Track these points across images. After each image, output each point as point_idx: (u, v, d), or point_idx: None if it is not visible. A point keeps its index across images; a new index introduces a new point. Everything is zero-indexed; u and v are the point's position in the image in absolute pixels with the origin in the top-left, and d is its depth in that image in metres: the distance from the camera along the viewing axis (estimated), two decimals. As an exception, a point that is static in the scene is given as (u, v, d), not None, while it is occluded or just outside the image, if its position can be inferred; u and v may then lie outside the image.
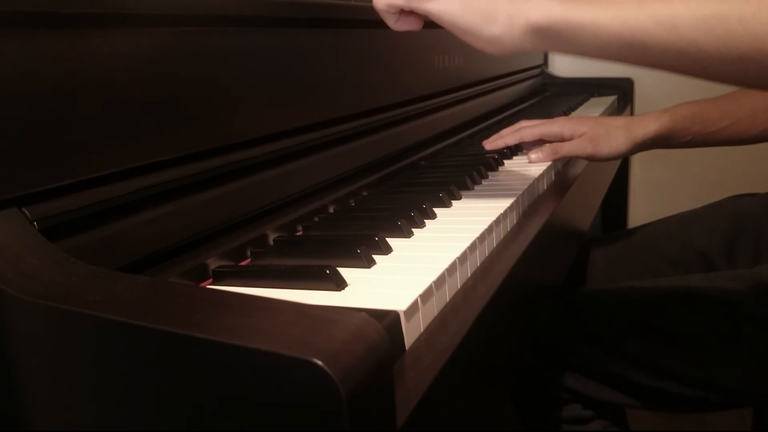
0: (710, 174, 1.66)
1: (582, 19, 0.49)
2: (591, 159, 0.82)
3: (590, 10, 0.49)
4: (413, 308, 0.40)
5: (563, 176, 0.83)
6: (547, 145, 0.82)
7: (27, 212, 0.40)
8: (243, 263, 0.53)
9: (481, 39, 0.53)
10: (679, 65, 0.46)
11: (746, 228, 0.86)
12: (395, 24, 0.59)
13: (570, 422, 0.83)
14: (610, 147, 0.80)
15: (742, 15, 0.42)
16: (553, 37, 0.51)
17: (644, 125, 0.80)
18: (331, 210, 0.67)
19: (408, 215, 0.58)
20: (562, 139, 0.84)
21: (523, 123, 0.90)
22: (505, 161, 0.86)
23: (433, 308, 0.44)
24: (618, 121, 0.82)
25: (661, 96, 1.67)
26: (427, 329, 0.42)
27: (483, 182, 0.76)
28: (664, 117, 0.81)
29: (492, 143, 0.91)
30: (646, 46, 0.47)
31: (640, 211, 1.78)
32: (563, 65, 1.79)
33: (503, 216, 0.60)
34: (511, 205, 0.63)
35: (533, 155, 0.81)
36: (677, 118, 0.81)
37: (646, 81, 1.68)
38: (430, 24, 0.98)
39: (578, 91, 1.63)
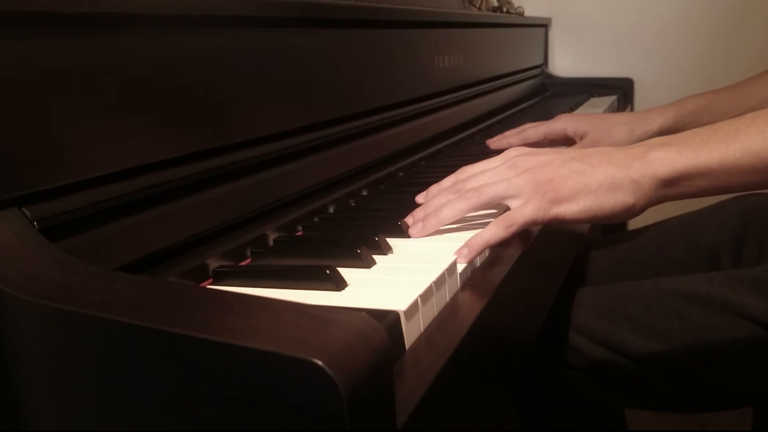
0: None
1: (710, 162, 0.48)
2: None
3: (712, 149, 0.48)
4: (413, 308, 0.40)
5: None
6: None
7: (27, 212, 0.40)
8: (243, 263, 0.53)
9: (619, 213, 0.52)
10: None
11: (751, 228, 0.86)
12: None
13: (570, 422, 0.83)
14: None
15: None
16: (683, 184, 0.50)
17: (648, 121, 0.80)
18: (331, 210, 0.67)
19: (408, 215, 0.58)
20: (566, 137, 0.84)
21: (528, 124, 0.90)
22: (505, 161, 0.86)
23: (433, 308, 0.44)
24: (621, 118, 0.82)
25: (662, 95, 1.67)
26: (427, 329, 0.42)
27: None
28: (669, 111, 0.80)
29: (496, 143, 0.91)
30: None
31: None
32: (563, 65, 1.79)
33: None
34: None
35: None
36: (683, 112, 0.80)
37: (647, 81, 1.68)
38: (430, 24, 0.98)
39: (578, 91, 1.63)
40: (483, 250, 0.51)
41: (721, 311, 0.70)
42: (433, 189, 0.61)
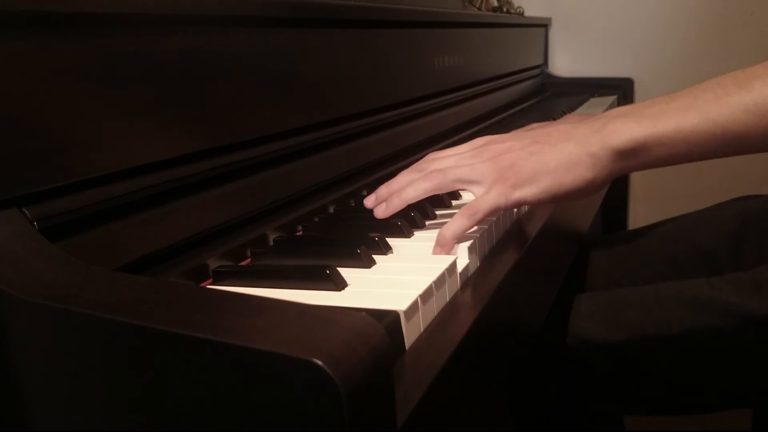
0: (712, 175, 1.66)
1: (667, 130, 0.48)
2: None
3: (672, 119, 0.48)
4: (413, 308, 0.40)
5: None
6: None
7: (27, 212, 0.40)
8: (243, 263, 0.53)
9: (582, 189, 0.52)
10: None
11: (751, 230, 0.86)
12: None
13: (567, 427, 0.83)
14: None
15: None
16: (642, 155, 0.50)
17: None
18: (331, 210, 0.67)
19: (408, 215, 0.58)
20: None
21: (535, 125, 0.90)
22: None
23: (433, 308, 0.44)
24: None
25: (662, 95, 1.67)
26: (427, 329, 0.42)
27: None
28: None
29: None
30: (741, 136, 0.46)
31: (641, 212, 1.78)
32: (563, 65, 1.79)
33: (502, 217, 0.60)
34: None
35: None
36: None
37: (646, 81, 1.68)
38: (429, 24, 0.98)
39: (578, 91, 1.63)
40: (454, 242, 0.52)
41: (723, 315, 0.70)
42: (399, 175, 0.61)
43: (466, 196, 0.69)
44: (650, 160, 0.51)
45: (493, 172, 0.54)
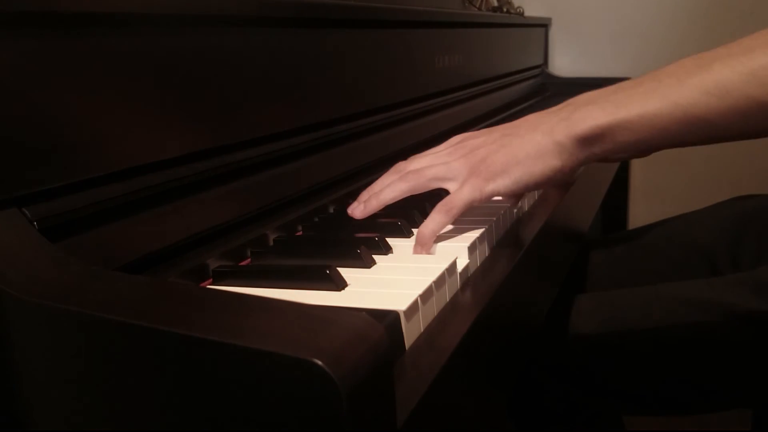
0: (711, 175, 1.66)
1: (628, 114, 0.48)
2: (603, 161, 0.82)
3: (634, 103, 0.48)
4: (413, 308, 0.40)
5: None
6: None
7: (27, 212, 0.40)
8: (243, 263, 0.53)
9: (551, 178, 0.53)
10: (746, 126, 0.45)
11: (750, 229, 0.86)
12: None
13: (567, 427, 0.83)
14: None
15: None
16: (606, 141, 0.50)
17: None
18: (331, 210, 0.67)
19: (408, 215, 0.58)
20: None
21: None
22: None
23: (433, 308, 0.44)
24: None
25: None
26: (427, 329, 0.42)
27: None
28: None
29: None
30: (703, 119, 0.46)
31: (641, 212, 1.78)
32: (563, 65, 1.79)
33: (503, 216, 0.60)
34: (511, 206, 0.63)
35: None
36: None
37: (646, 81, 1.68)
38: (430, 24, 0.98)
39: (578, 91, 1.62)
40: (433, 240, 0.53)
41: (723, 315, 0.70)
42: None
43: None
44: (616, 147, 0.51)
45: (466, 167, 0.55)
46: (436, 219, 0.53)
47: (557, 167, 0.52)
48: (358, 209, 0.58)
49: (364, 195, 0.60)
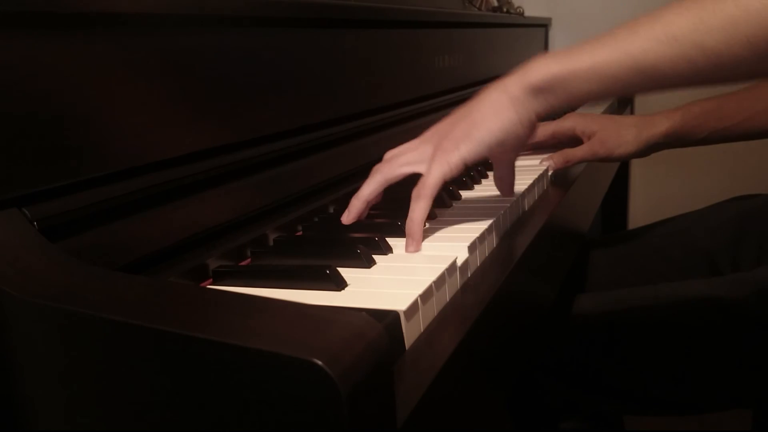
0: (711, 175, 1.66)
1: (581, 63, 0.49)
2: (603, 161, 0.83)
3: (586, 53, 0.49)
4: (413, 308, 0.40)
5: (563, 176, 0.83)
6: (559, 152, 0.82)
7: (27, 212, 0.40)
8: (243, 263, 0.53)
9: (511, 133, 0.54)
10: (694, 74, 0.46)
11: (750, 229, 0.86)
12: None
13: (567, 427, 0.83)
14: (621, 149, 0.80)
15: (739, 1, 0.42)
16: (559, 90, 0.51)
17: (654, 125, 0.80)
18: (331, 210, 0.67)
19: (407, 215, 0.58)
20: (574, 135, 0.84)
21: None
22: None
23: (433, 308, 0.44)
24: (629, 120, 0.82)
25: (662, 96, 1.67)
26: (427, 329, 0.42)
27: (483, 182, 0.76)
28: (675, 115, 0.80)
29: None
30: (653, 66, 0.46)
31: (641, 212, 1.78)
32: (563, 65, 1.79)
33: (503, 216, 0.60)
34: (512, 204, 0.63)
35: (545, 163, 0.81)
36: (690, 116, 0.80)
37: (646, 81, 1.68)
38: (430, 24, 0.98)
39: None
40: (421, 228, 0.54)
41: (723, 315, 0.70)
42: None
43: (466, 196, 0.69)
44: (570, 97, 0.52)
45: (431, 148, 0.56)
46: (415, 206, 0.54)
47: (514, 119, 0.53)
48: (345, 215, 0.59)
49: (351, 201, 0.61)
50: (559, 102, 0.52)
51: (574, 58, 0.50)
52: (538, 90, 0.52)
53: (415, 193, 0.55)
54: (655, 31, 0.45)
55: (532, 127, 0.54)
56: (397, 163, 0.58)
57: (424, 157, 0.56)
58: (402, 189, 0.74)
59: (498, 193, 0.67)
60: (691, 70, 0.45)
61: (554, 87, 0.51)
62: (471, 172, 0.75)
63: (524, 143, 0.57)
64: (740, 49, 0.43)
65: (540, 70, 0.52)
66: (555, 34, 1.77)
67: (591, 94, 0.51)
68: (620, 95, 0.52)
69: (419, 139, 0.60)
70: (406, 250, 0.53)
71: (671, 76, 0.46)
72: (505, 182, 0.65)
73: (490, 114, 0.53)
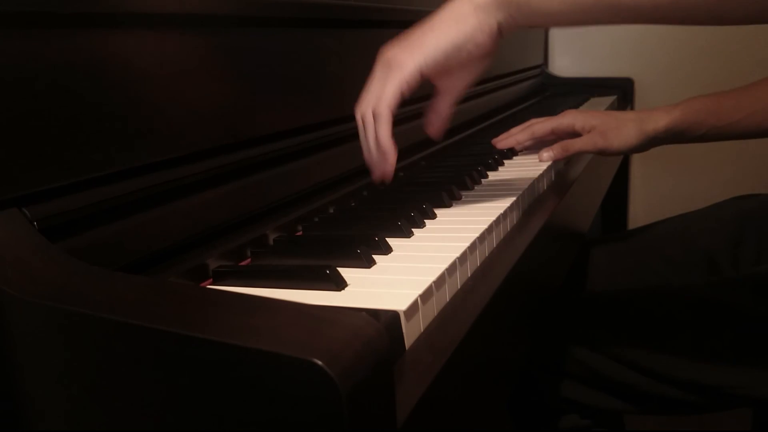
0: (711, 175, 1.66)
1: None
2: (602, 153, 0.82)
3: None
4: (413, 308, 0.40)
5: (563, 176, 0.83)
6: (558, 143, 0.82)
7: (27, 212, 0.40)
8: (243, 263, 0.53)
9: (468, 40, 0.53)
10: (653, 10, 0.46)
11: (750, 229, 0.86)
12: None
13: (567, 427, 0.83)
14: (620, 141, 0.80)
15: None
16: (523, 4, 0.51)
17: (655, 119, 0.80)
18: (331, 210, 0.67)
19: (408, 215, 0.58)
20: (573, 131, 0.84)
21: (534, 120, 0.90)
22: (505, 161, 0.86)
23: (433, 308, 0.44)
24: (629, 115, 0.82)
25: (662, 95, 1.67)
26: (427, 329, 0.42)
27: (483, 182, 0.76)
28: (675, 111, 0.80)
29: (503, 142, 0.91)
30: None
31: (641, 212, 1.78)
32: (563, 65, 1.79)
33: (503, 216, 0.60)
34: (511, 205, 0.63)
35: (545, 154, 0.81)
36: (689, 112, 0.80)
37: (647, 81, 1.68)
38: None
39: (578, 91, 1.63)
40: (392, 143, 0.53)
41: (723, 315, 0.70)
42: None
43: (466, 196, 0.69)
44: (531, 12, 0.52)
45: (386, 62, 0.54)
46: (378, 128, 0.53)
47: (475, 25, 0.52)
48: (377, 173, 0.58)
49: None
50: (522, 16, 0.52)
51: None
52: (499, 4, 0.51)
53: (375, 112, 0.53)
54: None
55: (492, 38, 0.53)
56: (365, 104, 0.56)
57: (379, 76, 0.55)
58: (402, 189, 0.74)
59: (500, 192, 0.67)
60: (651, 8, 0.46)
61: (519, 6, 0.51)
62: (471, 173, 0.75)
63: (482, 59, 0.55)
64: None
65: None
66: (555, 34, 1.77)
67: (552, 15, 0.51)
68: (577, 23, 0.51)
69: (378, 66, 0.57)
70: (383, 168, 0.52)
71: (632, 9, 0.47)
72: (439, 118, 0.62)
73: (451, 20, 0.53)
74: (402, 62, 0.53)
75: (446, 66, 0.55)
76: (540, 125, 0.88)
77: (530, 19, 0.52)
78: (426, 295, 0.42)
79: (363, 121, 0.57)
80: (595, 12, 0.49)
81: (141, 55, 0.48)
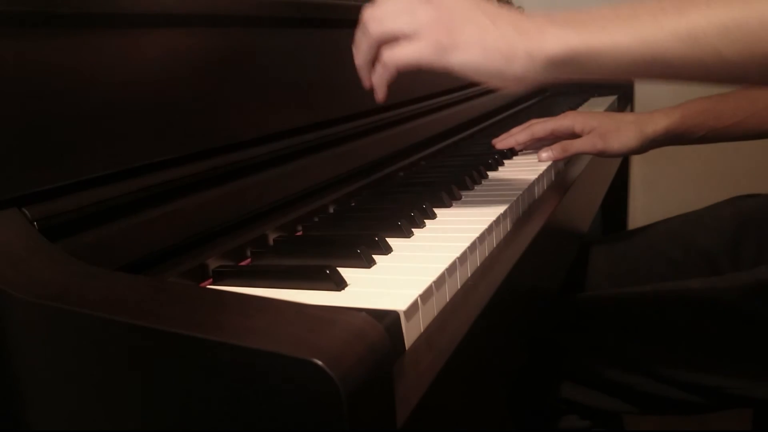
0: (711, 175, 1.66)
1: (601, 44, 0.48)
2: (601, 155, 0.82)
3: (608, 34, 0.48)
4: (413, 308, 0.40)
5: (563, 176, 0.83)
6: (557, 143, 0.82)
7: (27, 212, 0.40)
8: (243, 263, 0.53)
9: (505, 80, 0.52)
10: (704, 76, 0.46)
11: (749, 229, 0.86)
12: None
13: (567, 427, 0.83)
14: (620, 142, 0.80)
15: (763, 19, 0.42)
16: (574, 66, 0.50)
17: (654, 121, 0.80)
18: (331, 210, 0.67)
19: (408, 215, 0.58)
20: (573, 133, 0.84)
21: (534, 120, 0.90)
22: (505, 161, 0.86)
23: (433, 308, 0.44)
24: (629, 117, 0.82)
25: (662, 96, 1.67)
26: (427, 329, 0.42)
27: (483, 182, 0.76)
28: (675, 113, 0.80)
29: (503, 142, 0.91)
30: (667, 62, 0.46)
31: (640, 212, 1.78)
32: (563, 65, 1.79)
33: (503, 216, 0.60)
34: (511, 205, 0.63)
35: (543, 154, 0.81)
36: (689, 114, 0.80)
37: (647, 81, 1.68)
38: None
39: (578, 91, 1.63)
40: (381, 94, 0.54)
41: (723, 315, 0.70)
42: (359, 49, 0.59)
43: (466, 196, 0.69)
44: (580, 72, 0.51)
45: (429, 29, 0.52)
46: (379, 74, 0.54)
47: (518, 74, 0.51)
48: (377, 90, 0.57)
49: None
50: (569, 75, 0.51)
51: (594, 35, 0.48)
52: (554, 62, 0.50)
53: (386, 56, 0.53)
54: (679, 29, 0.45)
55: (522, 85, 0.53)
56: (384, 28, 0.54)
57: (418, 27, 0.52)
58: (402, 189, 0.74)
59: (500, 192, 0.67)
60: (701, 72, 0.45)
61: (570, 62, 0.50)
62: (471, 173, 0.75)
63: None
64: (755, 65, 0.43)
65: (561, 41, 0.49)
66: (555, 34, 1.77)
67: (602, 73, 0.50)
68: (624, 78, 0.51)
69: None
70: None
71: (680, 72, 0.47)
72: None
73: (502, 52, 0.51)
74: (439, 51, 0.52)
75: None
76: (540, 126, 0.88)
77: (576, 76, 0.52)
78: (426, 295, 0.42)
79: (366, 28, 0.55)
80: (643, 73, 0.49)
81: (140, 56, 0.48)
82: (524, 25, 0.51)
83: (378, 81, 0.55)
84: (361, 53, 0.56)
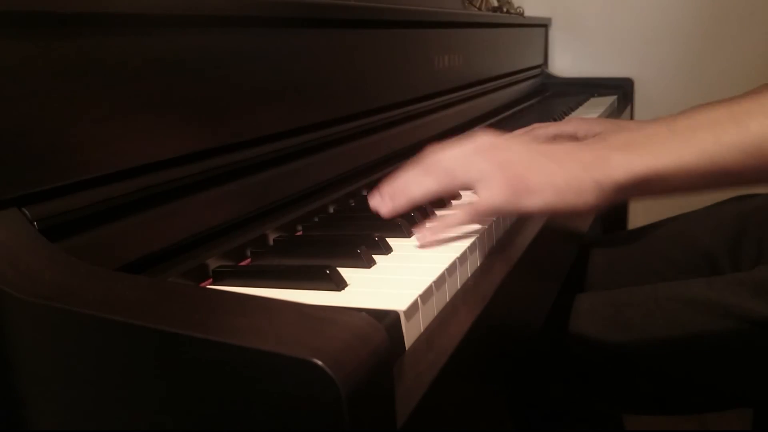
0: (710, 174, 1.66)
1: (667, 167, 0.49)
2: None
3: (672, 154, 0.49)
4: (413, 308, 0.40)
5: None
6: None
7: (27, 212, 0.40)
8: (243, 263, 0.53)
9: (579, 212, 0.53)
10: (756, 179, 0.48)
11: (749, 229, 0.86)
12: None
13: (567, 427, 0.83)
14: None
15: None
16: (643, 188, 0.51)
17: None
18: (331, 210, 0.67)
19: (408, 215, 0.58)
20: (576, 139, 0.84)
21: (537, 125, 0.90)
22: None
23: (433, 308, 0.44)
24: (631, 125, 0.82)
25: (662, 95, 1.67)
26: (427, 329, 0.42)
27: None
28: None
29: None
30: (737, 175, 0.47)
31: (641, 212, 1.78)
32: (563, 65, 1.79)
33: (502, 217, 0.60)
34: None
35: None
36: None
37: (647, 81, 1.68)
38: (430, 24, 0.98)
39: (578, 91, 1.63)
40: (442, 233, 0.54)
41: (723, 316, 0.70)
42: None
43: (466, 197, 0.69)
44: (649, 194, 0.52)
45: (500, 177, 0.53)
46: (458, 217, 0.54)
47: (591, 204, 0.52)
48: (386, 207, 0.56)
49: (387, 189, 0.57)
50: (638, 196, 0.53)
51: (660, 157, 0.49)
52: (623, 187, 0.51)
53: (467, 207, 0.54)
54: (744, 144, 0.46)
55: (598, 210, 0.54)
56: (460, 177, 0.55)
57: (488, 181, 0.53)
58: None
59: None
60: (756, 177, 0.47)
61: (638, 186, 0.51)
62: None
63: None
64: None
65: (625, 167, 0.50)
66: (555, 34, 1.77)
67: (671, 190, 0.51)
68: (694, 192, 0.51)
69: (477, 153, 0.56)
70: (421, 241, 0.53)
71: (751, 181, 0.48)
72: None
73: (572, 187, 0.52)
74: (514, 200, 0.52)
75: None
76: (542, 130, 0.88)
77: (645, 196, 0.53)
78: (426, 295, 0.42)
79: (435, 175, 0.56)
80: (708, 185, 0.50)
81: (140, 56, 0.48)
82: (585, 156, 0.52)
83: (433, 232, 0.54)
84: (421, 190, 0.56)
